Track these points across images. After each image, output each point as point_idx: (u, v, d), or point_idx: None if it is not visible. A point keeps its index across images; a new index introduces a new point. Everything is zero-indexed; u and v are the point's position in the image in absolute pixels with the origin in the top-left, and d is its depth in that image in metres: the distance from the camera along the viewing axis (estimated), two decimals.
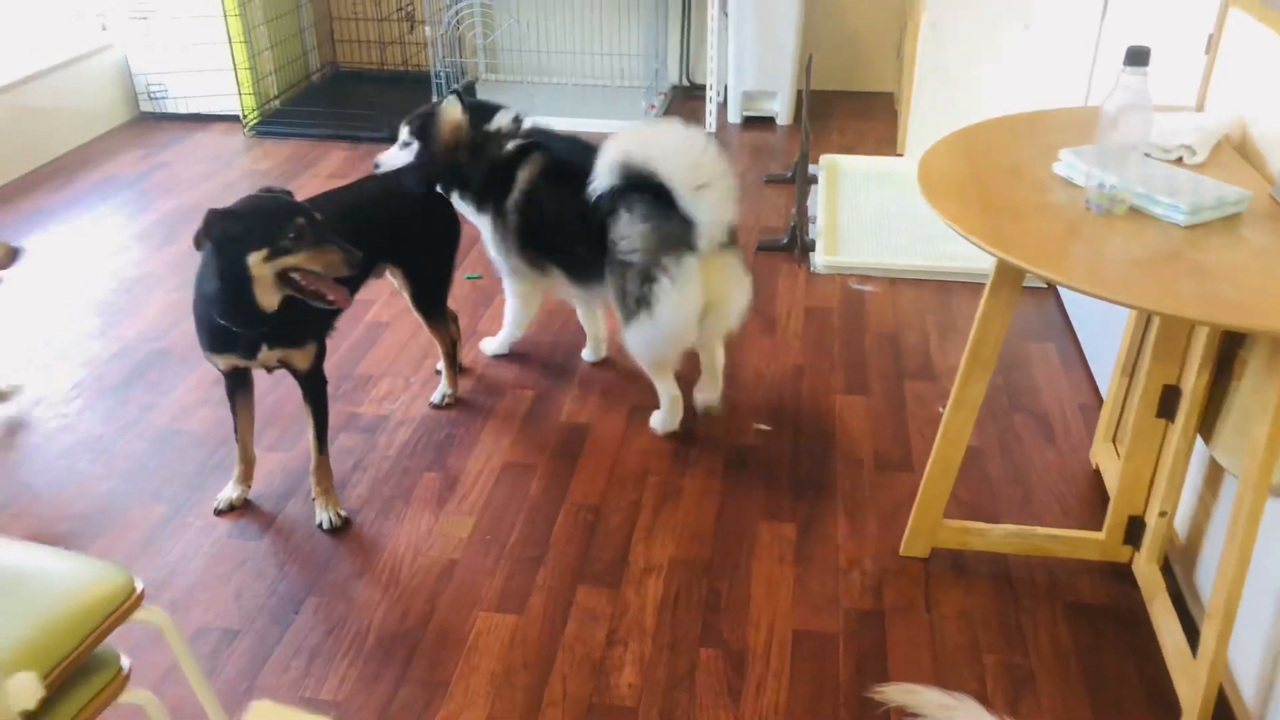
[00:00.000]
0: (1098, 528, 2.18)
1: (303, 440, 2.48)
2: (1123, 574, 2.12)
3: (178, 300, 3.17)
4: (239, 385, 2.24)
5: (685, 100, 4.91)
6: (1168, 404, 1.97)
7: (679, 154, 2.28)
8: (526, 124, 2.63)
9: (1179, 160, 1.87)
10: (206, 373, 2.77)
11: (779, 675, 1.89)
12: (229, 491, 2.32)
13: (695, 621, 2.01)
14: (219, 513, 2.30)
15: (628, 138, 2.35)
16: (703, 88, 4.68)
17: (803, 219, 3.49)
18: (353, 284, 2.38)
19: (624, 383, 2.76)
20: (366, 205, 2.43)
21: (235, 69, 4.51)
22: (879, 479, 2.41)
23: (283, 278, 1.98)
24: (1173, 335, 1.94)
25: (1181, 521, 2.10)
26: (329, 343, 2.29)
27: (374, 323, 3.05)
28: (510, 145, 2.58)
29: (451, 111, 2.56)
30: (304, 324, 2.10)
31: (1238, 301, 1.46)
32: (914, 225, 3.57)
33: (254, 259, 1.95)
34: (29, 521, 2.28)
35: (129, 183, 4.04)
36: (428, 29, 4.89)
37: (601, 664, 1.92)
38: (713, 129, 4.60)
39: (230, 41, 4.46)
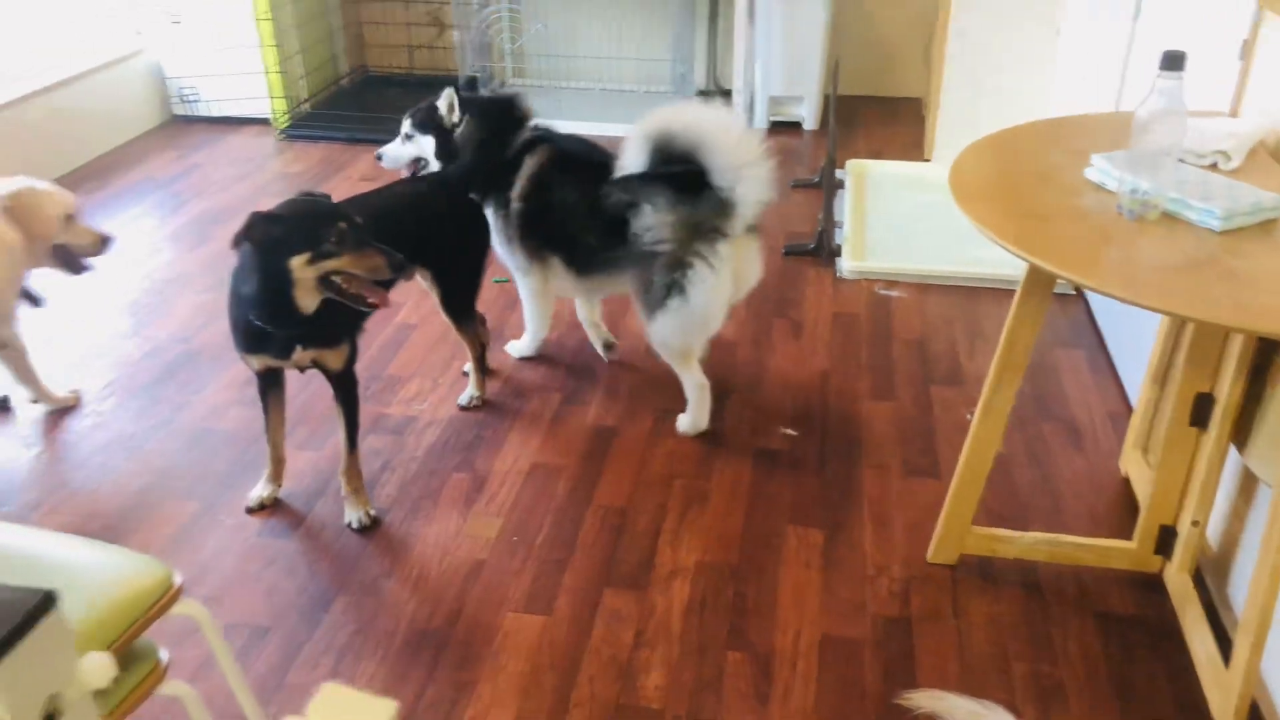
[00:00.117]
0: (1127, 537, 2.16)
1: (332, 440, 2.51)
2: (1153, 584, 2.10)
3: (209, 301, 3.20)
4: (271, 385, 2.26)
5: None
6: (1201, 412, 1.95)
7: (725, 131, 2.31)
8: (534, 121, 2.68)
9: (1213, 166, 1.85)
10: (237, 373, 2.80)
11: (806, 680, 1.89)
12: (260, 490, 2.34)
13: (722, 625, 2.01)
14: (250, 511, 2.32)
15: (670, 112, 2.37)
16: (729, 92, 4.69)
17: (829, 224, 3.48)
18: (384, 286, 2.41)
19: (650, 387, 2.77)
20: (398, 208, 2.46)
21: (266, 73, 4.56)
22: (906, 485, 2.40)
23: (324, 281, 2.00)
24: (1206, 342, 1.92)
25: (1214, 531, 2.08)
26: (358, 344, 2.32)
27: (403, 325, 3.07)
28: (522, 138, 2.62)
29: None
30: (338, 325, 2.12)
31: (1274, 308, 1.45)
32: (942, 230, 3.56)
33: (296, 262, 1.97)
34: (65, 517, 2.31)
35: (162, 184, 4.09)
36: (456, 34, 4.92)
37: (628, 666, 1.92)
38: None
39: (261, 46, 4.51)
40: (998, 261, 3.19)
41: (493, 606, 2.06)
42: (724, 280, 2.38)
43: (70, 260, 2.57)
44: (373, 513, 2.29)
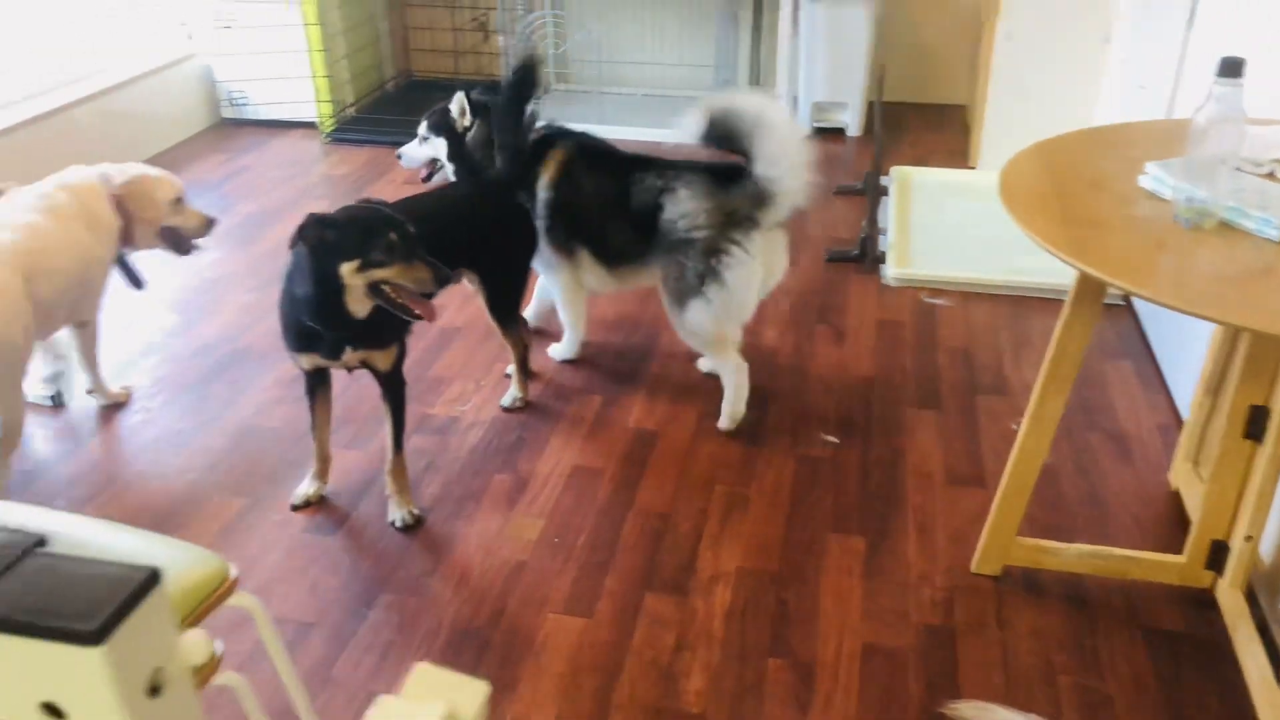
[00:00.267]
0: (1177, 551, 2.13)
1: (376, 439, 2.53)
2: (1204, 600, 2.07)
3: (256, 300, 3.25)
4: (319, 384, 2.29)
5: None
6: (1255, 424, 1.92)
7: (782, 121, 2.38)
8: (541, 122, 2.74)
9: (1271, 174, 1.82)
10: (283, 372, 2.83)
11: (848, 689, 1.88)
12: (305, 487, 2.37)
13: (763, 631, 2.01)
14: (295, 508, 2.35)
15: (740, 96, 2.43)
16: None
17: (874, 230, 3.47)
18: (448, 280, 2.43)
19: (691, 391, 2.77)
20: (448, 211, 2.49)
21: (313, 77, 4.61)
22: (950, 494, 2.38)
23: (373, 289, 2.02)
24: (1262, 353, 1.89)
25: (1268, 546, 2.04)
26: None
27: (447, 327, 3.09)
28: (531, 137, 2.67)
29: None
30: (387, 326, 2.13)
31: None
32: (987, 239, 3.53)
33: (346, 268, 1.99)
34: (115, 512, 2.35)
35: (211, 186, 4.15)
36: (500, 39, 4.96)
37: (669, 670, 1.92)
38: None
39: (309, 50, 4.57)
40: (1045, 270, 3.15)
41: (534, 607, 2.07)
42: (757, 268, 2.44)
43: (178, 242, 2.68)
44: (416, 512, 2.31)
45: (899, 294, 3.27)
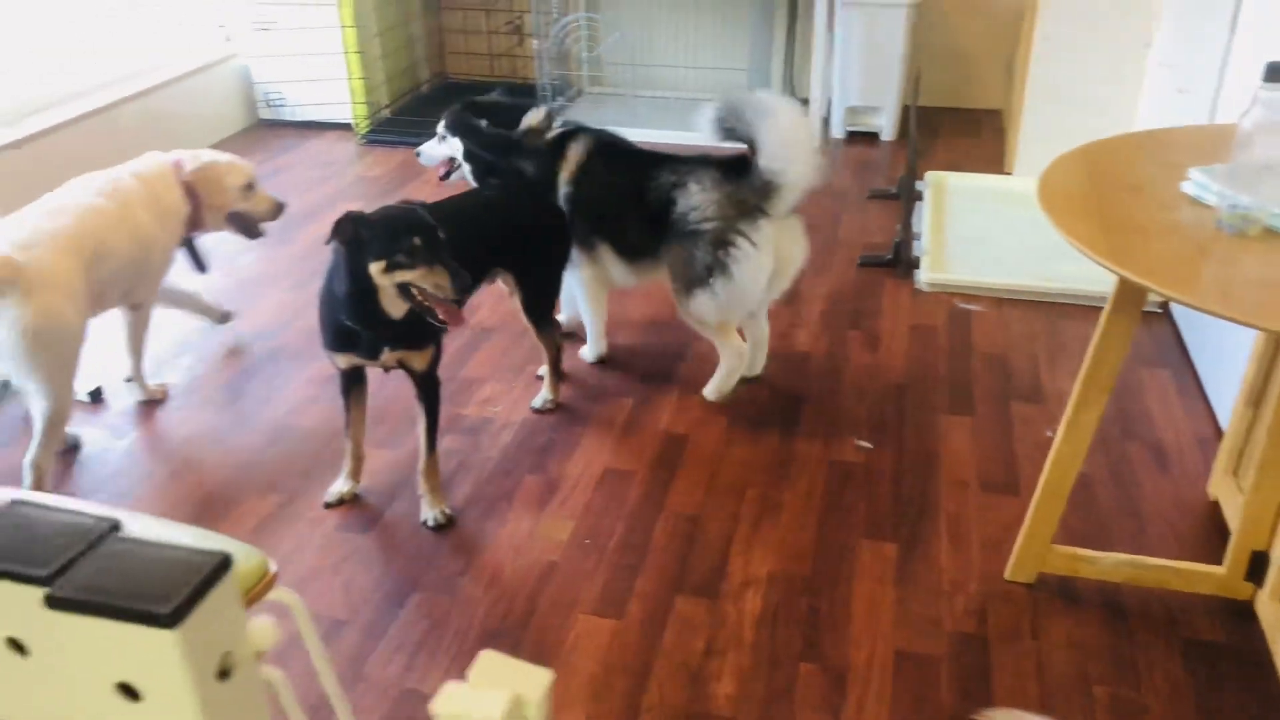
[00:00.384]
0: (1215, 562, 2.10)
1: (409, 439, 2.55)
2: (1244, 611, 2.03)
3: (291, 300, 3.28)
4: (354, 383, 2.30)
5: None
6: None
7: (782, 112, 2.46)
8: (559, 120, 2.80)
9: None
10: (318, 371, 2.86)
11: (880, 695, 1.87)
12: (339, 486, 2.38)
13: (795, 637, 2.00)
14: (329, 506, 2.36)
15: (743, 93, 2.54)
16: (806, 102, 4.66)
17: (908, 235, 3.45)
18: (468, 288, 2.45)
19: None
20: (487, 213, 2.52)
21: (349, 78, 4.65)
22: (984, 501, 2.36)
23: (402, 290, 2.04)
24: None
25: None
26: None
27: (479, 328, 3.11)
28: (549, 136, 2.73)
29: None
30: (425, 327, 2.14)
31: None
32: (1023, 245, 3.50)
33: (375, 268, 2.01)
34: (152, 507, 2.38)
35: None
36: (535, 42, 4.98)
37: (699, 673, 1.92)
38: (816, 143, 4.58)
39: (345, 52, 4.61)
40: (1081, 277, 3.13)
41: (564, 608, 2.07)
42: (766, 258, 2.51)
43: (247, 225, 2.80)
44: (448, 511, 2.32)
45: (933, 299, 3.25)
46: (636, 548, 2.23)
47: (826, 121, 4.69)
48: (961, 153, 4.46)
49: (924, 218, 3.70)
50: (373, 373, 2.35)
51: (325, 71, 4.66)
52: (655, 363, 2.94)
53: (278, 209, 2.82)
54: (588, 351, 2.93)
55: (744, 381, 2.79)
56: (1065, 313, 3.15)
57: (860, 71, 4.52)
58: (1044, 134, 3.92)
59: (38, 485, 2.28)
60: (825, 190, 4.11)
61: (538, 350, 2.72)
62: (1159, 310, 3.10)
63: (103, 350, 2.77)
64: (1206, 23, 3.04)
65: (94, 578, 0.81)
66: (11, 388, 2.73)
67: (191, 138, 4.50)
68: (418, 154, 2.95)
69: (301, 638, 1.51)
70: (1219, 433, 2.55)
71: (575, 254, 2.72)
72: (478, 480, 2.45)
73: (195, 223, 2.70)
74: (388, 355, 2.17)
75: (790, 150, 2.45)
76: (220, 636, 0.83)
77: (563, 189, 2.68)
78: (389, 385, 2.70)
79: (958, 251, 3.50)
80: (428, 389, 2.26)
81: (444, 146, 2.85)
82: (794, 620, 2.04)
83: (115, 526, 0.87)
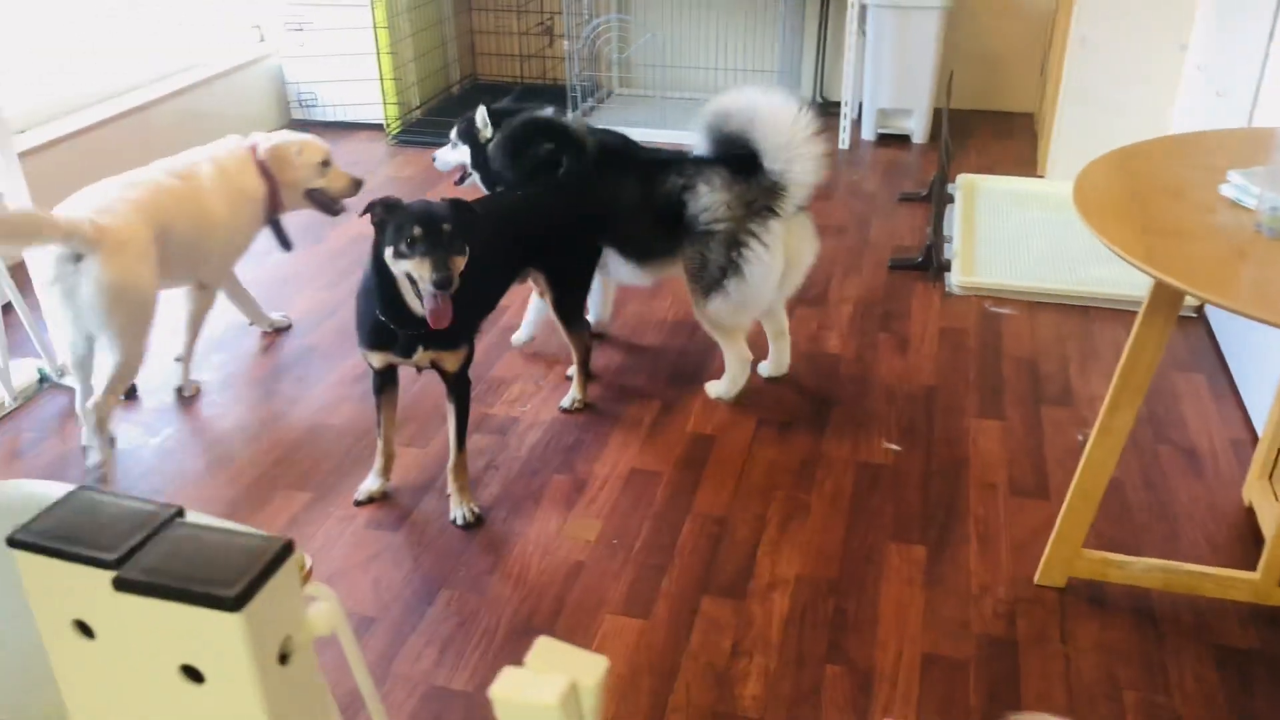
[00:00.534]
0: (1249, 568, 2.07)
1: (438, 437, 2.56)
2: (1277, 618, 2.01)
3: (324, 299, 3.31)
4: (387, 382, 2.32)
5: (819, 117, 4.87)
6: None
7: (777, 112, 2.45)
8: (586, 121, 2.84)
9: None
10: (349, 370, 2.88)
11: (907, 698, 1.86)
12: (369, 483, 2.40)
13: (821, 639, 1.99)
14: (359, 503, 2.38)
15: (729, 96, 2.53)
16: (837, 104, 4.65)
17: (939, 238, 3.43)
18: (500, 286, 2.47)
19: (750, 397, 2.76)
20: (523, 212, 2.54)
21: (381, 79, 4.69)
22: (1013, 505, 2.35)
23: (410, 280, 2.05)
24: None
25: None
26: None
27: (508, 328, 3.12)
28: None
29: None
30: (459, 326, 2.15)
31: None
32: (1055, 248, 3.48)
33: (387, 254, 2.04)
34: (185, 503, 2.39)
35: None
36: (566, 43, 4.99)
37: (725, 674, 1.92)
38: (846, 146, 4.56)
39: (378, 53, 4.65)
40: (1113, 280, 3.10)
41: (591, 608, 2.08)
42: (777, 259, 2.51)
43: (325, 203, 2.88)
44: (477, 510, 2.33)
45: (963, 302, 3.23)
46: (663, 548, 2.24)
47: (858, 123, 4.67)
48: (993, 156, 4.43)
49: (955, 221, 3.68)
50: (402, 371, 2.37)
51: (358, 72, 4.70)
52: (683, 363, 2.94)
53: (355, 185, 2.89)
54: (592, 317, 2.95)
55: (771, 381, 2.79)
56: (1097, 316, 3.13)
57: (892, 74, 4.50)
58: (1077, 137, 3.89)
59: (100, 426, 2.40)
60: (855, 193, 4.10)
61: (565, 350, 2.73)
62: (1194, 314, 3.07)
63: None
64: (1244, 25, 3.00)
65: (161, 561, 0.83)
66: (50, 379, 2.79)
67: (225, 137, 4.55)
68: (433, 159, 2.97)
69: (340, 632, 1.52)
70: (1254, 437, 2.52)
71: None
72: (506, 479, 2.47)
73: (274, 202, 2.77)
74: (421, 355, 2.18)
75: (790, 150, 2.45)
76: (282, 621, 0.85)
77: None
78: (417, 383, 2.72)
79: (988, 254, 3.47)
80: (459, 389, 2.27)
81: (456, 153, 2.87)
82: (821, 622, 2.03)
83: (179, 513, 0.89)
